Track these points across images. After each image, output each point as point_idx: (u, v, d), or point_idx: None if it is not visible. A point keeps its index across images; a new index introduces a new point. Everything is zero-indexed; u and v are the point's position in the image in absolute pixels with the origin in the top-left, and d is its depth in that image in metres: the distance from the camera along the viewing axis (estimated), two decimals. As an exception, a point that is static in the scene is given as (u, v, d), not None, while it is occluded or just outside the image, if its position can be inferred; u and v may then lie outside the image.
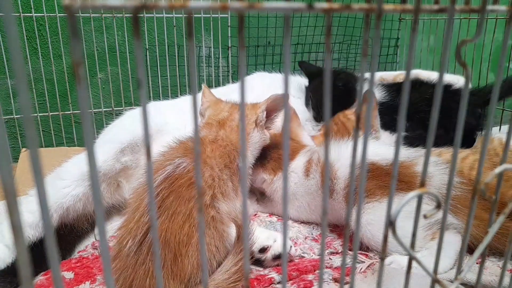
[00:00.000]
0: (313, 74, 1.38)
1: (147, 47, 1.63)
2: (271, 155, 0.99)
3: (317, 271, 0.78)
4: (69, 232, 0.98)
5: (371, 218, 0.81)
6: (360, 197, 0.35)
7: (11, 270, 0.82)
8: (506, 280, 0.64)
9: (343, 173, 0.88)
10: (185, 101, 1.32)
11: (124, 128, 1.14)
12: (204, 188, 0.76)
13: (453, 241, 0.76)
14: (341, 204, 0.89)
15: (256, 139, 0.94)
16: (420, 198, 0.35)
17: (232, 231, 0.78)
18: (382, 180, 0.83)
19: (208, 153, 0.83)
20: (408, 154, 0.86)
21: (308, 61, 1.93)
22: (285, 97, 0.30)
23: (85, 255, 0.89)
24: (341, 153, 0.89)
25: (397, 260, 0.76)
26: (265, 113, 0.93)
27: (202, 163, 0.80)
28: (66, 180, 0.96)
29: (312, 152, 0.98)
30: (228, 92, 1.27)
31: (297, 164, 0.96)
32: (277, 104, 0.94)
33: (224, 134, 0.88)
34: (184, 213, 0.71)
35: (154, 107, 1.26)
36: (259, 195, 1.08)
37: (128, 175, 1.08)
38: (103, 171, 1.01)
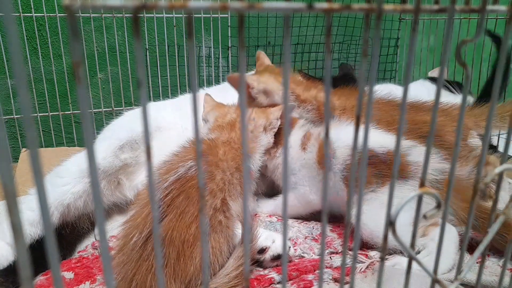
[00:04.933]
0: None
1: (147, 47, 1.63)
2: None
3: (317, 271, 0.78)
4: (71, 232, 0.98)
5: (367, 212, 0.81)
6: (359, 201, 0.35)
7: (14, 268, 0.82)
8: (506, 280, 0.64)
9: (342, 154, 0.88)
10: (184, 99, 1.33)
11: (122, 125, 1.14)
12: (215, 191, 0.77)
13: (450, 237, 0.76)
14: (339, 185, 0.89)
15: (264, 142, 0.96)
16: (420, 198, 0.35)
17: (239, 232, 0.78)
18: (378, 168, 0.83)
19: (220, 156, 0.83)
20: (403, 143, 0.85)
21: (308, 61, 1.93)
22: (285, 97, 0.30)
23: (85, 255, 0.89)
24: (340, 135, 0.89)
25: (400, 262, 0.76)
26: (279, 121, 0.96)
27: (214, 166, 0.81)
28: (65, 178, 0.96)
29: (309, 125, 1.00)
30: (225, 89, 1.27)
31: (294, 139, 0.97)
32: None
33: (236, 136, 0.89)
34: (192, 213, 0.71)
35: (153, 106, 1.26)
36: (260, 194, 1.08)
37: (128, 172, 1.08)
38: (102, 168, 1.01)
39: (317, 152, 0.93)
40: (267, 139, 0.96)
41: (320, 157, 0.92)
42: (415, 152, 0.84)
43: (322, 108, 1.04)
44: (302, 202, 0.98)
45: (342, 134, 0.89)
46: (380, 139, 0.86)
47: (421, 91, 1.47)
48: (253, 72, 1.37)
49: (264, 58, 1.20)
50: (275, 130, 0.96)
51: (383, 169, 0.82)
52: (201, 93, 1.32)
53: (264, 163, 1.01)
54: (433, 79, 1.58)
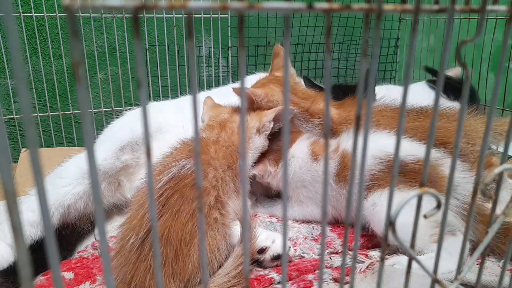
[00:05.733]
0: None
1: (147, 47, 1.63)
2: (272, 147, 1.00)
3: (317, 271, 0.78)
4: (71, 233, 0.98)
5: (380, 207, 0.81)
6: (359, 197, 0.35)
7: (14, 269, 0.82)
8: (506, 280, 0.64)
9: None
10: (184, 100, 1.33)
11: (123, 126, 1.14)
12: (209, 189, 0.77)
13: (456, 241, 0.76)
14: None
15: (258, 144, 0.96)
16: (420, 198, 0.35)
17: (236, 231, 0.78)
18: (407, 177, 0.81)
19: (211, 154, 0.84)
20: (433, 153, 0.83)
21: (308, 61, 1.93)
22: (285, 98, 0.30)
23: (85, 255, 0.89)
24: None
25: (400, 261, 0.76)
26: (272, 123, 0.96)
27: (206, 164, 0.81)
28: (66, 178, 0.96)
29: (316, 138, 0.98)
30: (229, 92, 1.28)
31: (297, 148, 0.96)
32: (281, 116, 0.96)
33: (226, 135, 0.89)
34: (188, 212, 0.71)
35: (154, 106, 1.26)
36: (259, 195, 1.08)
37: (129, 173, 1.08)
38: (103, 170, 1.01)
39: (337, 166, 0.90)
40: (260, 141, 0.95)
41: (341, 170, 0.89)
42: (448, 164, 0.82)
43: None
44: (306, 216, 0.97)
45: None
46: (408, 148, 0.85)
47: (420, 94, 1.47)
48: (259, 75, 1.36)
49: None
50: (268, 132, 0.96)
51: (414, 177, 0.81)
52: (204, 94, 1.32)
53: (266, 181, 1.01)
54: (433, 82, 1.58)
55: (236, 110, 0.99)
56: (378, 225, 0.82)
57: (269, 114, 0.95)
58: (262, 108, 1.02)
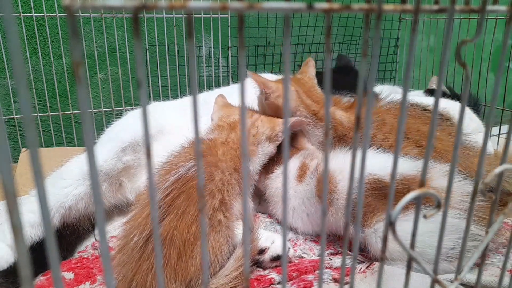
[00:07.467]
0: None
1: (147, 47, 1.63)
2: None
3: (317, 271, 0.78)
4: (71, 233, 0.98)
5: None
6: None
7: (14, 269, 0.82)
8: (506, 280, 0.64)
9: (346, 187, 0.79)
10: (186, 101, 1.33)
11: (125, 127, 1.14)
12: (214, 191, 0.77)
13: None
14: (339, 222, 0.84)
15: (267, 150, 0.94)
16: (419, 198, 0.35)
17: (239, 233, 0.78)
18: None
19: (219, 156, 0.83)
20: (417, 166, 0.77)
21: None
22: (285, 98, 0.30)
23: (85, 255, 0.89)
24: (346, 164, 0.81)
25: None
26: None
27: (213, 166, 0.80)
28: (67, 179, 0.96)
29: (305, 156, 0.95)
30: (231, 92, 1.28)
31: (290, 167, 0.94)
32: (295, 127, 0.97)
33: (235, 137, 0.89)
34: (193, 214, 0.71)
35: (155, 107, 1.26)
36: (261, 199, 1.08)
37: (131, 174, 1.08)
38: (104, 171, 1.01)
39: (315, 187, 0.86)
40: (270, 148, 0.94)
41: (320, 190, 0.85)
42: (437, 174, 0.76)
43: (339, 128, 0.99)
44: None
45: (347, 164, 0.76)
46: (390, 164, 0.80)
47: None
48: (262, 75, 1.35)
49: (310, 67, 1.11)
50: (279, 142, 0.95)
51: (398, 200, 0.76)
52: (205, 94, 1.32)
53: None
54: (430, 92, 1.57)
55: (248, 111, 0.98)
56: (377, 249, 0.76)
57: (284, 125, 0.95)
58: (269, 100, 1.00)
